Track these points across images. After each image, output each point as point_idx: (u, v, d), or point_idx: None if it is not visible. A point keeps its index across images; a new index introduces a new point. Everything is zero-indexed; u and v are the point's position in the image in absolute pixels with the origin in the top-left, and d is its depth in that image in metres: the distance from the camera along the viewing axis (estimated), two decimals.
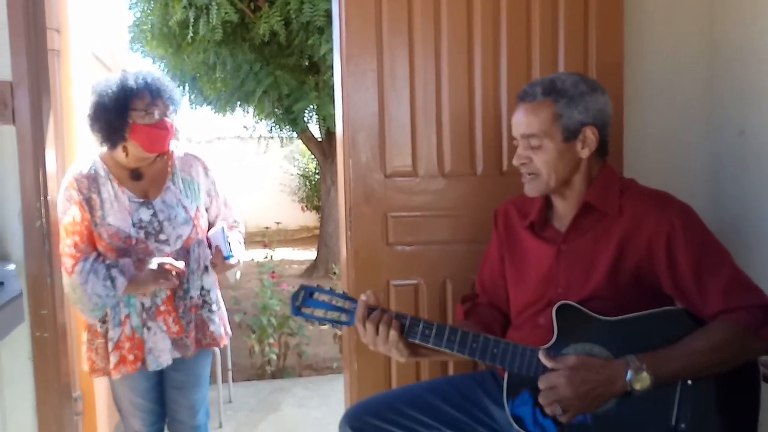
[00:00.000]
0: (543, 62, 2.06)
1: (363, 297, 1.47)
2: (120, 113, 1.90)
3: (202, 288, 2.10)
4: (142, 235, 1.94)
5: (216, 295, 2.17)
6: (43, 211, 1.90)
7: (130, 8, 6.99)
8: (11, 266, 1.85)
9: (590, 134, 1.49)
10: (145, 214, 1.96)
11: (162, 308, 2.00)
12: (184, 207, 2.02)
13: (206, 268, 2.10)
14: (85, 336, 2.03)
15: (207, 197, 2.13)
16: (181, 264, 1.93)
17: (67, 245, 1.91)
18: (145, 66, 2.07)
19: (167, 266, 1.90)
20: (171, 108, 1.99)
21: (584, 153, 1.51)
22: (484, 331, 1.50)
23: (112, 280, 1.88)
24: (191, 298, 2.05)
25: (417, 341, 1.45)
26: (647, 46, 2.22)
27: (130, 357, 1.98)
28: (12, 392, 1.85)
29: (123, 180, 1.99)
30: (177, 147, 2.11)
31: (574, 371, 1.33)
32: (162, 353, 2.00)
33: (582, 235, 1.53)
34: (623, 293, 1.46)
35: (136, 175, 2.01)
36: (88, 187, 1.94)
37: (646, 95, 2.22)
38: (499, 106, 2.06)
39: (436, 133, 2.06)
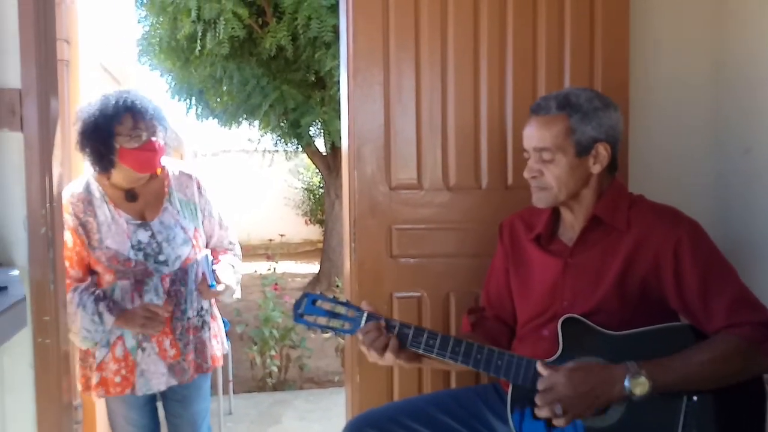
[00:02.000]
0: (549, 78, 2.06)
1: (366, 307, 1.47)
2: (105, 140, 1.90)
3: (201, 308, 2.08)
4: (141, 257, 1.93)
5: (214, 311, 2.17)
6: (48, 218, 1.89)
7: (139, 22, 7.07)
8: (15, 272, 1.85)
9: (602, 150, 1.50)
10: (143, 236, 1.96)
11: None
12: (183, 228, 2.01)
13: None
14: (78, 353, 2.03)
15: (202, 216, 2.10)
16: (164, 310, 1.92)
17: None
18: (142, 82, 2.08)
19: (153, 309, 1.90)
20: (157, 127, 1.97)
21: (596, 169, 1.51)
22: (491, 344, 1.49)
23: (100, 315, 1.89)
24: (188, 319, 2.03)
25: (420, 351, 1.44)
26: (652, 64, 2.22)
27: (117, 379, 1.96)
28: (12, 400, 1.84)
29: (118, 202, 1.98)
30: (171, 165, 2.09)
31: (573, 371, 1.33)
32: (154, 376, 1.97)
33: (589, 249, 1.52)
34: (629, 307, 1.46)
35: (131, 196, 2.00)
36: (84, 210, 1.94)
37: (651, 113, 2.22)
38: (505, 121, 2.07)
39: (441, 146, 2.06)
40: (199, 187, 2.10)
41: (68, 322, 1.88)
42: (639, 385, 1.29)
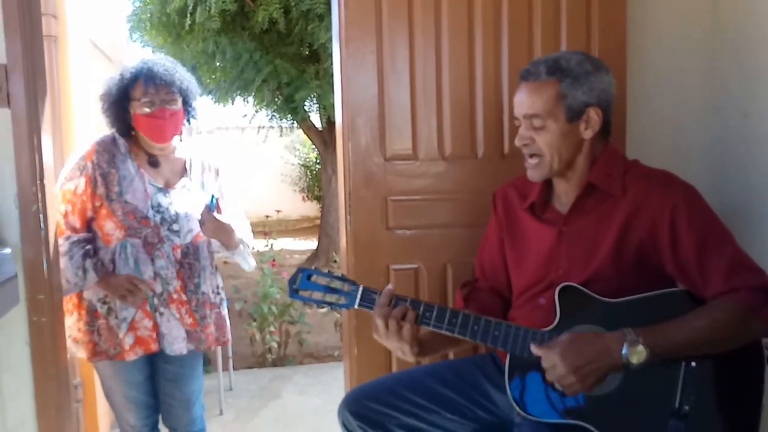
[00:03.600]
0: (545, 44, 2.03)
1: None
2: (120, 104, 1.94)
3: (218, 286, 2.12)
4: (158, 219, 1.94)
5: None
6: (39, 195, 1.88)
7: None
8: (6, 250, 1.83)
9: (594, 115, 1.47)
10: (163, 200, 1.97)
11: (174, 296, 1.99)
12: (199, 205, 2.02)
13: (216, 267, 2.12)
14: (74, 318, 2.00)
15: (218, 197, 2.11)
16: (148, 287, 1.91)
17: (58, 210, 1.90)
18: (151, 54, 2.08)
19: (140, 283, 1.89)
20: (175, 95, 1.96)
21: (587, 134, 1.49)
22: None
23: (84, 271, 1.88)
24: (203, 293, 2.05)
25: (417, 323, 1.43)
26: (649, 28, 2.19)
27: (154, 335, 1.97)
28: (10, 378, 1.84)
29: (142, 163, 2.00)
30: (195, 149, 2.13)
31: (568, 347, 1.32)
32: (176, 340, 1.99)
33: (584, 216, 1.51)
34: (625, 274, 1.45)
35: (153, 161, 2.02)
36: (108, 161, 1.94)
37: (648, 77, 2.20)
38: (501, 89, 2.04)
39: (436, 115, 2.04)
40: (216, 173, 2.16)
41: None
42: (636, 354, 1.28)
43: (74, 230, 1.95)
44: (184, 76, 1.99)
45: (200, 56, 6.93)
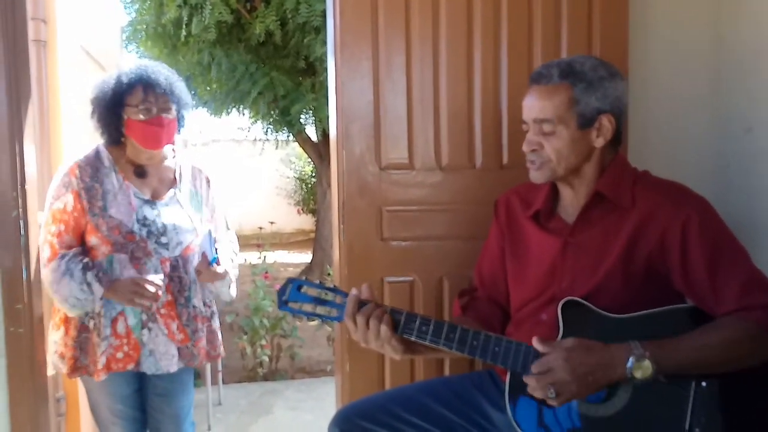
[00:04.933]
0: (545, 52, 1.98)
1: (354, 291, 1.39)
2: (114, 109, 1.89)
3: (209, 299, 2.07)
4: (144, 233, 1.88)
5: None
6: (20, 201, 1.83)
7: (125, 8, 6.96)
8: None
9: (606, 123, 1.42)
10: (149, 213, 1.91)
11: (163, 311, 1.93)
12: (189, 216, 1.98)
13: None
14: (61, 332, 1.93)
15: (208, 212, 2.09)
16: (159, 280, 1.85)
17: (50, 232, 1.85)
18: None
19: (145, 283, 1.82)
20: (171, 104, 1.93)
21: (599, 142, 1.43)
22: (483, 327, 1.43)
23: (89, 285, 1.81)
24: (194, 307, 1.99)
25: (413, 338, 1.36)
26: (651, 39, 2.15)
27: (119, 354, 1.88)
28: None
29: (128, 175, 1.94)
30: (184, 156, 2.09)
31: (572, 352, 1.25)
32: (164, 357, 1.92)
33: (591, 227, 1.45)
34: (632, 289, 1.39)
35: (139, 172, 1.96)
36: (91, 175, 1.89)
37: (650, 89, 2.15)
38: (500, 97, 1.99)
39: (433, 124, 1.99)
40: (208, 182, 2.11)
41: (50, 291, 1.83)
42: (642, 368, 1.22)
43: (70, 248, 1.88)
44: (180, 84, 1.97)
45: (196, 68, 6.91)
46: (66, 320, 1.92)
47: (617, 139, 1.47)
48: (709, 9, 2.18)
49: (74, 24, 2.89)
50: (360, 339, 1.38)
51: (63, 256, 1.83)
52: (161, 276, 1.88)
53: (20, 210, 1.81)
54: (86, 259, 1.85)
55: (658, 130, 2.16)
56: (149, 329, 1.90)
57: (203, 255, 1.96)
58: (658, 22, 2.16)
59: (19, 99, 1.88)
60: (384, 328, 1.35)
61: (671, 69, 2.17)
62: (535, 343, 1.29)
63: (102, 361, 1.87)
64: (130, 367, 1.90)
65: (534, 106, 1.44)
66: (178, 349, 1.95)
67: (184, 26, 5.99)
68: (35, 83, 2.49)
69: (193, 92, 7.66)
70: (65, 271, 1.80)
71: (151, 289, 1.82)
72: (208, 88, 7.47)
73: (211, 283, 2.03)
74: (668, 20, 2.17)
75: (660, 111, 2.16)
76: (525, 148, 1.47)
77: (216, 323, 2.09)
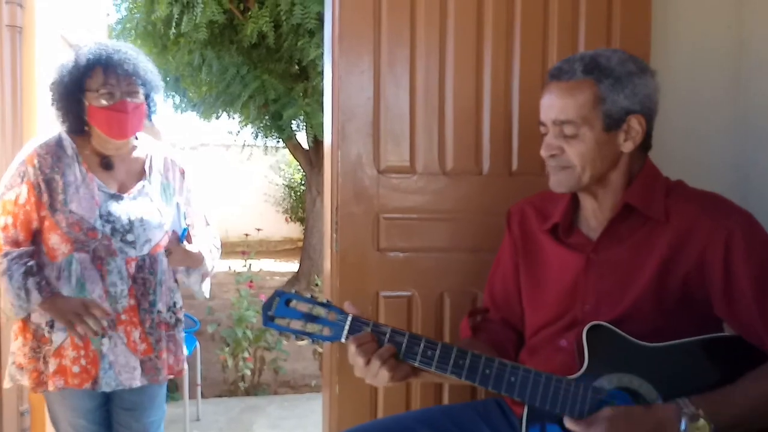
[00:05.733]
0: (561, 51, 1.85)
1: (352, 309, 1.22)
2: (73, 95, 1.73)
3: (174, 304, 1.91)
4: (108, 230, 1.73)
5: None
6: None
7: (114, 5, 6.89)
8: None
9: (636, 124, 1.27)
10: (114, 208, 1.76)
11: (123, 317, 1.77)
12: (159, 210, 1.82)
13: (176, 281, 1.93)
14: (19, 342, 1.78)
15: (183, 205, 1.95)
16: (104, 313, 1.69)
17: None
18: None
19: (96, 310, 1.67)
20: (137, 87, 1.77)
21: (627, 146, 1.28)
22: (495, 353, 1.26)
23: (27, 291, 1.67)
24: (159, 312, 1.84)
25: (416, 364, 1.19)
26: (672, 42, 2.05)
27: (75, 368, 1.73)
28: None
29: (92, 166, 1.79)
30: (156, 146, 1.94)
31: (613, 424, 1.08)
32: (124, 370, 1.76)
33: (618, 243, 1.29)
34: (665, 314, 1.23)
35: (106, 163, 1.81)
36: (52, 166, 1.73)
37: (670, 93, 2.01)
38: (510, 98, 1.86)
39: (438, 125, 1.85)
40: (182, 174, 1.98)
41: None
42: (698, 430, 1.05)
43: (16, 245, 1.74)
44: (146, 65, 1.80)
45: (185, 68, 6.89)
46: (24, 329, 1.78)
47: (647, 144, 1.33)
48: (730, 11, 2.09)
49: (55, 12, 2.80)
50: (357, 371, 1.22)
51: (7, 254, 1.70)
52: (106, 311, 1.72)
53: None
54: (32, 263, 1.70)
55: (677, 135, 2.03)
56: (109, 337, 1.75)
57: (173, 232, 1.84)
58: (678, 24, 2.06)
59: None
60: (384, 373, 1.18)
61: (692, 71, 2.07)
62: (567, 423, 1.13)
63: (51, 368, 1.72)
64: (87, 386, 1.74)
65: (554, 105, 1.29)
66: (141, 362, 1.79)
67: (174, 24, 5.91)
68: (9, 70, 2.36)
69: (182, 94, 7.56)
70: (5, 271, 1.68)
71: (101, 320, 1.67)
72: (198, 90, 7.42)
73: (183, 267, 1.91)
74: (689, 23, 2.08)
75: (679, 116, 2.04)
76: (543, 153, 1.31)
77: (180, 333, 1.95)
